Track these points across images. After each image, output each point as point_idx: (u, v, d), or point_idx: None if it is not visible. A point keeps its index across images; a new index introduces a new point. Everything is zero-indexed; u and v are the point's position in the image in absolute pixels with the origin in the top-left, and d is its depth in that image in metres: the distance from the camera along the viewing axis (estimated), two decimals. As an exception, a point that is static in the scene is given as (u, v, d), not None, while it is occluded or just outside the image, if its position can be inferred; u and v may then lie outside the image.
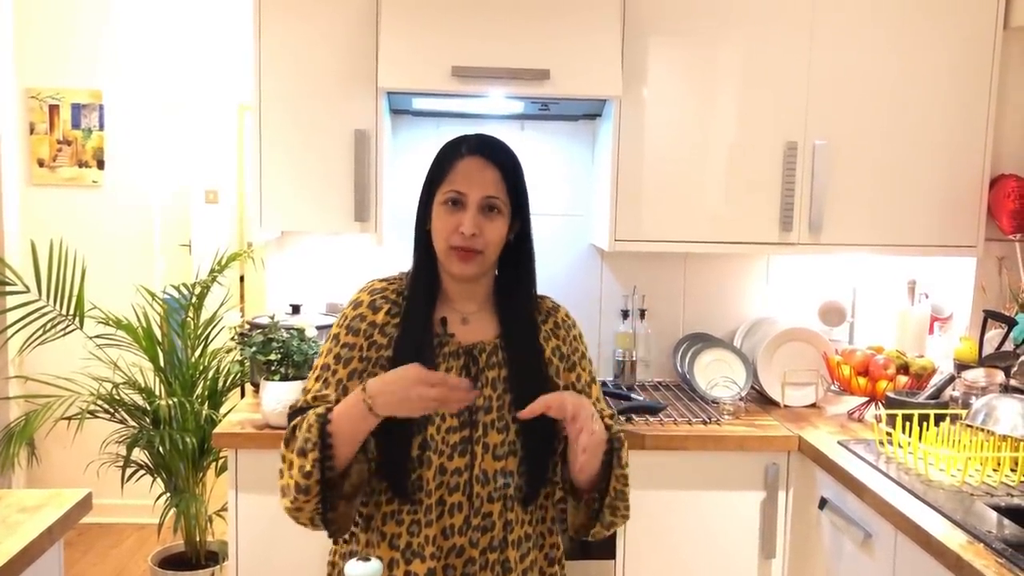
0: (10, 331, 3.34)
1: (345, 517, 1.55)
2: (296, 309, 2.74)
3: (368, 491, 1.59)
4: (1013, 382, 2.39)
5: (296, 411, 1.57)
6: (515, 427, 1.56)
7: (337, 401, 1.52)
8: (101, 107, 4.24)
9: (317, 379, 1.59)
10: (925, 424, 2.23)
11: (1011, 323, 2.56)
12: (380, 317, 1.59)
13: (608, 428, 1.57)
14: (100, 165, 4.26)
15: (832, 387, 2.74)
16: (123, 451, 3.21)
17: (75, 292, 3.29)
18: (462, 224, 1.53)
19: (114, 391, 3.29)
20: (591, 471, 1.53)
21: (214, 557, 3.34)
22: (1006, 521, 1.78)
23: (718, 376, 2.71)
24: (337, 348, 1.59)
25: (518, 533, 1.59)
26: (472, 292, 1.63)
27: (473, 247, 1.54)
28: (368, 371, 1.56)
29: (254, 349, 2.36)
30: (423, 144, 2.92)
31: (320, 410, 1.48)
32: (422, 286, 1.61)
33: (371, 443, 1.54)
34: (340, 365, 1.58)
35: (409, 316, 1.59)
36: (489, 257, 1.57)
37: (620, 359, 2.91)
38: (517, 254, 1.63)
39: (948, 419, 2.27)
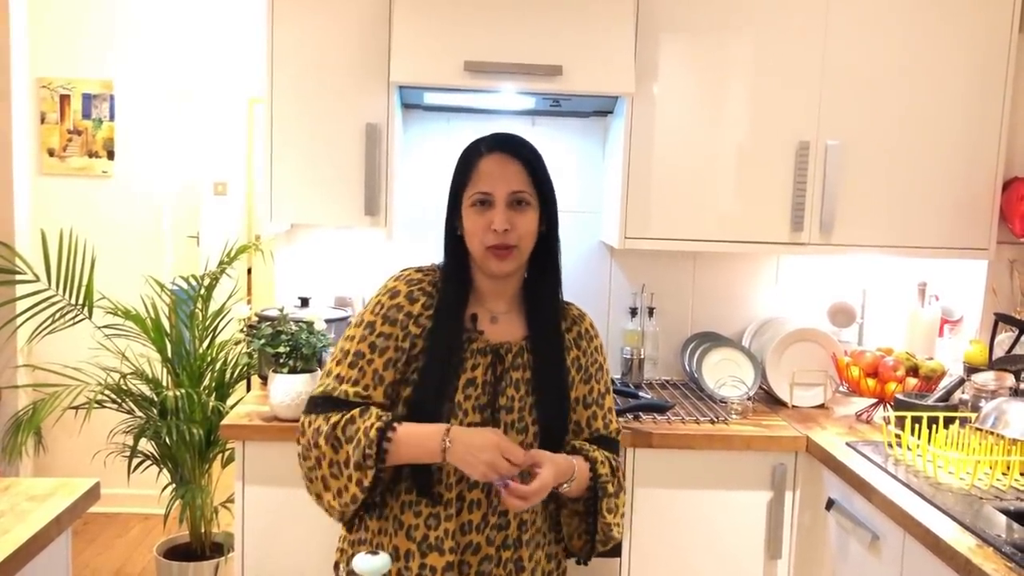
0: (19, 320, 3.35)
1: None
2: (305, 302, 2.74)
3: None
4: (1023, 386, 2.38)
5: (326, 399, 1.56)
6: (533, 429, 1.57)
7: (385, 396, 1.57)
8: (112, 97, 4.25)
9: (351, 366, 1.57)
10: (934, 427, 2.22)
11: (1022, 326, 2.54)
12: (416, 308, 1.59)
13: (597, 476, 1.59)
14: (110, 155, 4.27)
15: (841, 388, 2.74)
16: (130, 441, 3.21)
17: (84, 282, 3.30)
18: (493, 222, 1.53)
19: (122, 381, 3.29)
20: (571, 495, 1.59)
21: (219, 548, 3.35)
22: (1015, 525, 1.78)
23: (726, 375, 2.71)
24: (372, 336, 1.58)
25: (532, 532, 1.60)
26: (503, 290, 1.64)
27: (507, 243, 1.54)
28: (404, 360, 1.56)
29: (263, 341, 2.36)
30: (434, 139, 2.92)
31: (379, 424, 1.48)
32: (454, 286, 1.61)
33: None
34: (376, 354, 1.57)
35: (442, 314, 1.59)
36: (524, 250, 1.58)
37: (628, 357, 2.91)
38: (543, 251, 1.64)
39: (957, 422, 2.26)
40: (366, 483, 1.47)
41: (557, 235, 1.65)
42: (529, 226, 1.57)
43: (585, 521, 1.63)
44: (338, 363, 1.60)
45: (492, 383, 1.57)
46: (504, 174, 1.56)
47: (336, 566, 1.72)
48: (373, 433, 1.47)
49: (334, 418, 1.52)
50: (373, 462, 1.46)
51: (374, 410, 1.53)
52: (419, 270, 1.67)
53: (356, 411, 1.52)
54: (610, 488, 1.60)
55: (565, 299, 1.72)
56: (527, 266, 1.65)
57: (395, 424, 1.49)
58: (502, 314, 1.64)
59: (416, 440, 1.47)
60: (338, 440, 1.50)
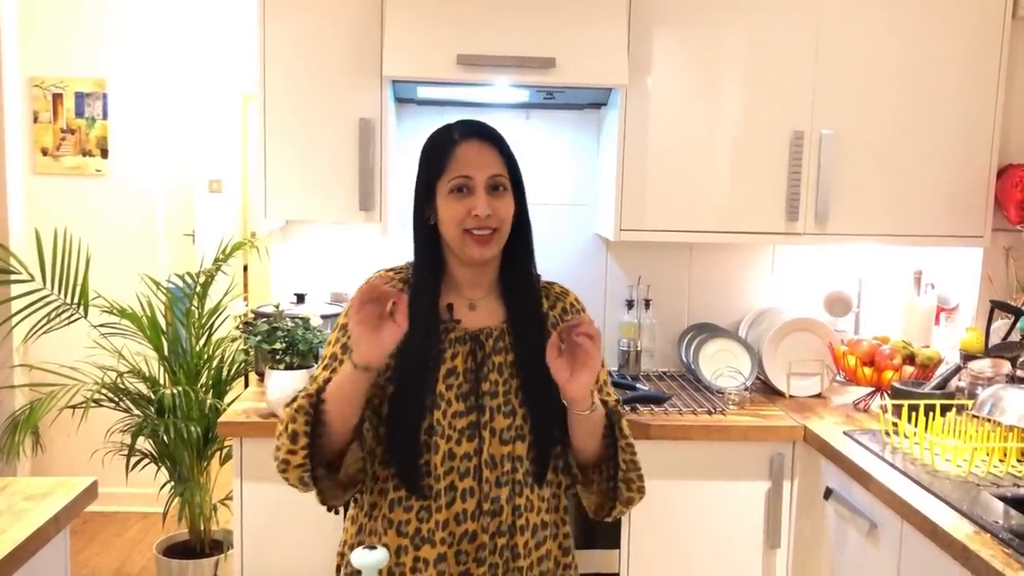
0: (15, 320, 3.34)
1: (334, 494, 1.55)
2: (301, 298, 2.74)
3: (372, 479, 1.59)
4: (1019, 372, 2.38)
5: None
6: (521, 411, 1.57)
7: None
8: (105, 96, 4.23)
9: (325, 367, 1.61)
10: (931, 414, 2.22)
11: (1018, 313, 2.55)
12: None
13: (604, 403, 1.59)
14: (104, 154, 4.26)
15: (837, 377, 2.74)
16: (127, 440, 3.21)
17: (79, 281, 3.29)
18: (474, 207, 1.53)
19: (118, 380, 3.28)
20: (593, 447, 1.57)
21: (219, 546, 3.35)
22: (1012, 511, 1.78)
23: (723, 366, 2.71)
24: (344, 338, 1.60)
25: (530, 520, 1.59)
26: (480, 277, 1.64)
27: (489, 225, 1.54)
28: None
29: (259, 338, 2.36)
30: (428, 133, 2.89)
31: (320, 380, 1.52)
32: (427, 275, 1.61)
33: (368, 435, 1.55)
34: (347, 355, 1.57)
35: (415, 304, 1.59)
36: (504, 234, 1.58)
37: (625, 349, 2.91)
38: (516, 234, 1.63)
39: (954, 409, 2.27)
40: (304, 427, 1.48)
41: (528, 219, 1.65)
42: (508, 210, 1.58)
43: (604, 482, 1.61)
44: (318, 367, 1.64)
45: (473, 370, 1.57)
46: (482, 159, 1.57)
47: (338, 569, 1.72)
48: (313, 387, 1.51)
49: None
50: (306, 397, 1.48)
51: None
52: (390, 269, 1.68)
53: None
54: (623, 419, 1.61)
55: (549, 280, 1.72)
56: (502, 251, 1.64)
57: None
58: (480, 300, 1.64)
59: (337, 377, 1.48)
60: (292, 401, 1.53)
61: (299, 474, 1.49)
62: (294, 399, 1.54)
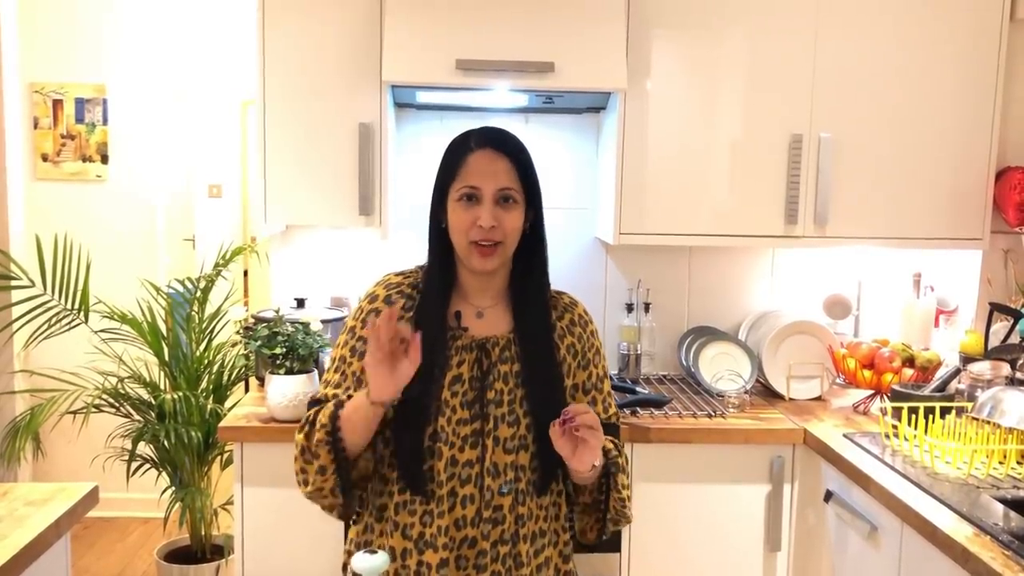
0: (15, 325, 3.34)
1: (352, 501, 1.60)
2: (301, 303, 2.74)
3: (382, 481, 1.60)
4: (1019, 375, 2.38)
5: (314, 401, 1.62)
6: (525, 421, 1.57)
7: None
8: (105, 101, 4.24)
9: (336, 370, 1.63)
10: (931, 417, 2.22)
11: (1017, 316, 2.55)
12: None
13: (606, 453, 1.59)
14: (104, 160, 4.27)
15: (837, 380, 2.74)
16: (128, 445, 3.21)
17: (80, 286, 3.29)
18: (480, 218, 1.53)
19: (119, 385, 3.29)
20: (587, 482, 1.59)
21: (220, 551, 3.35)
22: (1012, 513, 1.78)
23: (723, 369, 2.71)
24: (353, 341, 1.62)
25: (531, 528, 1.60)
26: (488, 285, 1.64)
27: (492, 238, 1.54)
28: None
29: (259, 343, 2.36)
30: (427, 138, 2.91)
31: (331, 405, 1.53)
32: (437, 281, 1.62)
33: (378, 439, 1.56)
34: (355, 358, 1.61)
35: (423, 311, 1.60)
36: (509, 247, 1.58)
37: (625, 352, 2.91)
38: (530, 245, 1.64)
39: (954, 412, 2.27)
40: (330, 459, 1.51)
41: (543, 231, 1.65)
42: (515, 223, 1.57)
43: (597, 509, 1.63)
44: (329, 370, 1.66)
45: (479, 378, 1.57)
46: (493, 170, 1.56)
47: (344, 567, 1.73)
48: (326, 417, 1.52)
49: (309, 412, 1.58)
50: (329, 435, 1.50)
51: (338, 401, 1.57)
52: (399, 273, 1.68)
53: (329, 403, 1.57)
54: (621, 461, 1.63)
55: (556, 288, 1.72)
56: (513, 261, 1.64)
57: (344, 402, 1.54)
58: (488, 308, 1.64)
59: (353, 404, 1.50)
60: (311, 427, 1.55)
61: (330, 501, 1.55)
62: (308, 421, 1.56)
